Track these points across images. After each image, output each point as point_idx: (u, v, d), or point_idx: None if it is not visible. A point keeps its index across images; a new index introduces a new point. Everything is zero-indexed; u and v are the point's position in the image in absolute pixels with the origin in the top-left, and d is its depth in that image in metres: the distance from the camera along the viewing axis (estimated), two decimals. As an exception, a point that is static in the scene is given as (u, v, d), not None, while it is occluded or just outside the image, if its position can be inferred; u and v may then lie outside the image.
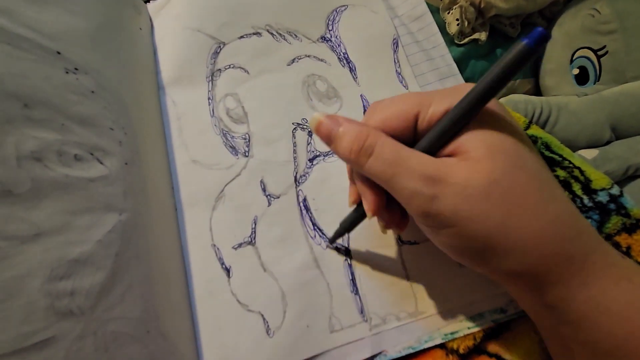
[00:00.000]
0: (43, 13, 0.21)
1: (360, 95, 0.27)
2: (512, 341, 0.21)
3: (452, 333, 0.21)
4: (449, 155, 0.16)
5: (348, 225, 0.21)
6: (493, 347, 0.21)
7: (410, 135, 0.17)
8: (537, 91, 0.37)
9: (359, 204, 0.20)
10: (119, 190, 0.20)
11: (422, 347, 0.21)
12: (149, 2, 0.31)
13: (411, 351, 0.21)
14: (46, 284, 0.15)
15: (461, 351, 0.21)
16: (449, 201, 0.15)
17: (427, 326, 0.22)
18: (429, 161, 0.16)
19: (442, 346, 0.21)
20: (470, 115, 0.15)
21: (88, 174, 0.19)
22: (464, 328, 0.21)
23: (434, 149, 0.16)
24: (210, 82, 0.28)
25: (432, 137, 0.16)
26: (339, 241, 0.24)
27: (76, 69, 0.21)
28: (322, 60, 0.28)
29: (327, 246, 0.24)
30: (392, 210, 0.19)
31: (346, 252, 0.24)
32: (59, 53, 0.21)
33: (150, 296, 0.19)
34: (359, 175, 0.18)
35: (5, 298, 0.14)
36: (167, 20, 0.30)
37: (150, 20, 0.30)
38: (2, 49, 0.18)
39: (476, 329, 0.21)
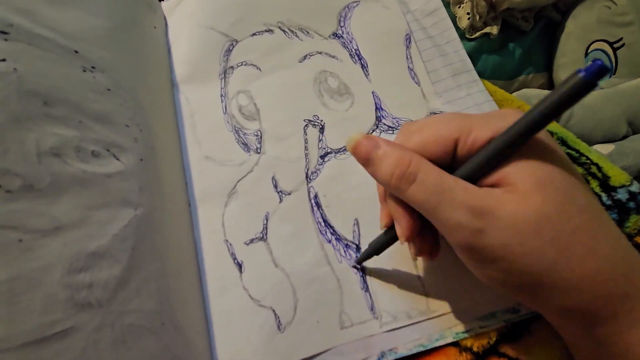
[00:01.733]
0: (62, 13, 0.22)
1: (372, 92, 0.27)
2: (532, 345, 0.21)
3: (463, 332, 0.21)
4: (492, 186, 0.16)
5: (378, 248, 0.21)
6: (513, 351, 0.21)
7: (447, 161, 0.17)
8: (550, 85, 0.37)
9: (391, 227, 0.20)
10: (135, 186, 0.20)
11: (433, 345, 0.21)
12: (163, 0, 0.31)
13: (422, 349, 0.21)
14: (66, 276, 0.16)
15: (475, 349, 0.21)
16: (497, 235, 0.14)
17: (439, 324, 0.22)
18: (475, 191, 0.15)
19: (455, 344, 0.21)
20: (517, 145, 0.15)
21: (105, 169, 0.19)
22: (475, 327, 0.21)
23: (475, 178, 0.16)
24: (223, 79, 0.28)
25: (474, 166, 0.16)
26: (350, 238, 0.24)
27: (93, 67, 0.22)
28: (333, 56, 0.28)
29: (353, 266, 0.23)
30: (424, 236, 0.19)
31: (357, 249, 0.24)
32: (76, 52, 0.21)
33: (165, 290, 0.19)
34: (393, 198, 0.18)
35: (28, 289, 0.14)
36: (181, 18, 0.30)
37: (165, 18, 0.31)
38: (23, 48, 0.19)
39: (488, 329, 0.21)
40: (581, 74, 0.13)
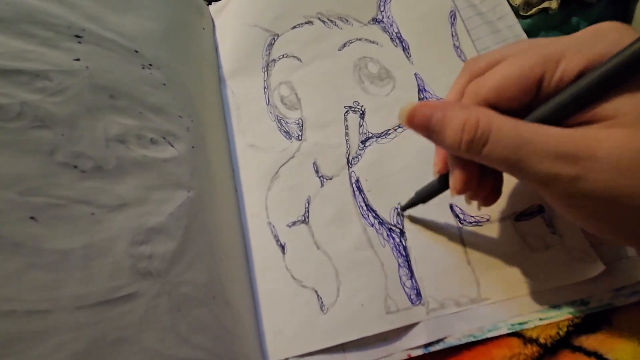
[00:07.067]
0: (123, 19, 0.24)
1: (415, 74, 0.27)
2: (613, 338, 0.18)
3: (520, 323, 0.20)
4: (584, 123, 0.13)
5: (426, 196, 0.20)
6: (590, 343, 0.18)
7: (527, 101, 0.15)
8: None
9: (444, 175, 0.18)
10: (187, 171, 0.22)
11: (484, 336, 0.20)
12: (210, 4, 0.33)
13: (472, 339, 0.20)
14: (129, 247, 0.17)
15: (541, 340, 0.19)
16: (600, 178, 0.13)
17: (491, 314, 0.20)
18: (561, 135, 0.13)
19: (518, 334, 0.19)
20: (627, 76, 0.12)
21: (161, 155, 0.21)
22: (534, 319, 0.19)
23: (563, 117, 0.14)
24: (266, 72, 0.29)
25: (560, 104, 0.13)
26: (393, 222, 0.23)
27: (150, 64, 0.24)
28: (373, 42, 0.28)
29: (398, 213, 0.23)
30: (484, 183, 0.17)
31: (401, 233, 0.23)
32: (136, 52, 0.23)
33: (215, 266, 0.21)
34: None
35: (98, 256, 0.16)
36: (227, 19, 0.32)
37: (212, 20, 0.33)
38: (93, 49, 0.21)
39: (550, 321, 0.19)
40: None
